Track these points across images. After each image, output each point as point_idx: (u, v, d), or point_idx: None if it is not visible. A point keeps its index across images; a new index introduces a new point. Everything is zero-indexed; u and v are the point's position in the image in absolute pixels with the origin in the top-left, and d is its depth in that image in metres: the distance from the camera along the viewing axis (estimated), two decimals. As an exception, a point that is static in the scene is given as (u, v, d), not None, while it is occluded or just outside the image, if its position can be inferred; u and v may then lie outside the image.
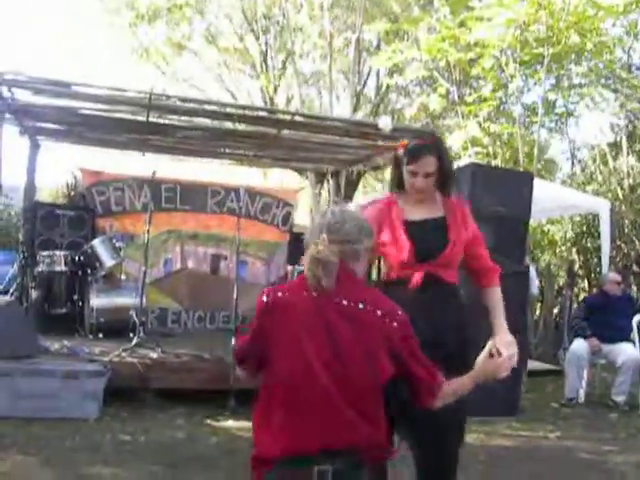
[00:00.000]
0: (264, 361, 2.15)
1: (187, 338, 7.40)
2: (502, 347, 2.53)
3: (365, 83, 14.98)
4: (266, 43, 14.71)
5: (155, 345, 6.02)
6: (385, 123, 6.43)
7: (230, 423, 5.25)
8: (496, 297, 3.06)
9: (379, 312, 2.12)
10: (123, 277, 7.32)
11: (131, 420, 5.15)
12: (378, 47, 14.51)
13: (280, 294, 2.17)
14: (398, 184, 2.92)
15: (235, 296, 5.95)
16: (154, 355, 5.83)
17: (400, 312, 2.17)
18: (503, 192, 6.12)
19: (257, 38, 14.67)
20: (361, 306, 2.11)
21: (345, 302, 2.11)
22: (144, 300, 6.45)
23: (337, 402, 2.03)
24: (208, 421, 5.29)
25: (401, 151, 2.86)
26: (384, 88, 14.39)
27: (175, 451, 4.50)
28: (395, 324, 2.12)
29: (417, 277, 2.79)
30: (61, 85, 6.44)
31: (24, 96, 6.59)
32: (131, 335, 6.28)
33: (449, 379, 2.27)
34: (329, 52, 12.68)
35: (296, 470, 2.02)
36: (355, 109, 13.69)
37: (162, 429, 4.98)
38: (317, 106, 14.71)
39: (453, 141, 10.94)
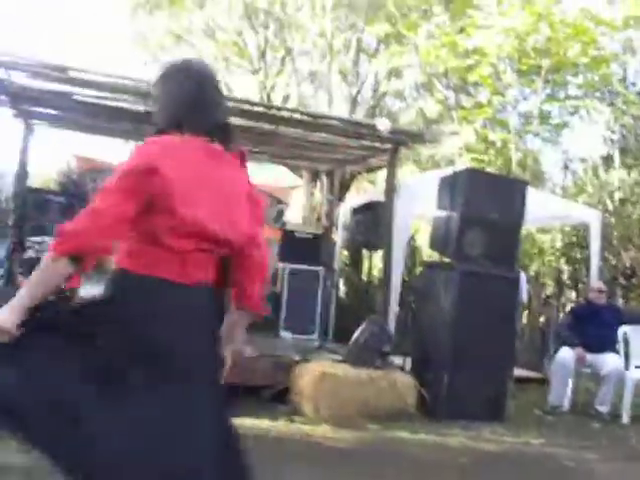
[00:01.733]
0: None
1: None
2: None
3: (362, 85, 14.99)
4: (265, 39, 14.68)
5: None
6: (384, 124, 6.45)
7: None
8: None
9: None
10: (113, 265, 7.26)
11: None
12: (377, 49, 14.54)
13: None
14: None
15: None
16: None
17: None
18: (497, 198, 6.16)
19: (256, 33, 14.65)
20: None
21: None
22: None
23: None
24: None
25: None
26: (381, 91, 14.41)
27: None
28: None
29: None
30: (58, 70, 6.39)
31: (20, 79, 6.55)
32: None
33: None
34: (328, 52, 12.68)
35: None
36: (352, 111, 13.69)
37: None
38: (313, 105, 14.68)
39: (448, 147, 10.98)
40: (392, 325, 7.09)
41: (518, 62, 11.07)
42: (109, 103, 6.95)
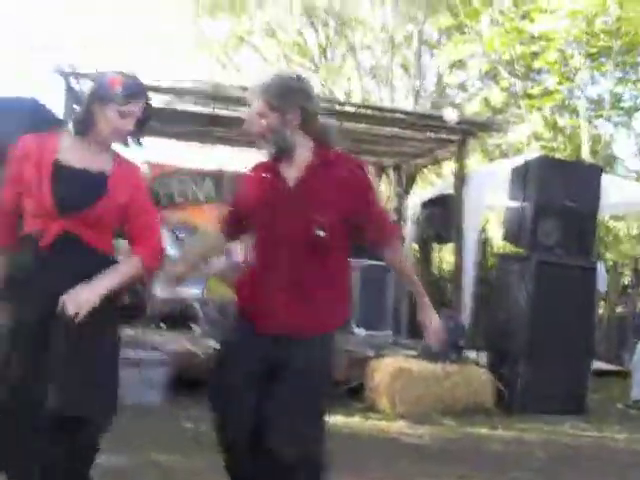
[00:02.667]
0: None
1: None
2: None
3: (424, 77, 14.82)
4: (326, 36, 14.68)
5: (217, 336, 6.08)
6: (451, 115, 6.35)
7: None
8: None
9: None
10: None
11: (193, 408, 5.20)
12: (439, 41, 14.36)
13: None
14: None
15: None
16: (217, 346, 5.88)
17: None
18: (572, 185, 6.00)
19: (316, 31, 14.67)
20: None
21: None
22: (205, 291, 6.53)
23: None
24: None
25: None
26: (444, 83, 14.22)
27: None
28: None
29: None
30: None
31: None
32: (193, 325, 6.36)
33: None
34: (390, 45, 12.59)
35: None
36: (415, 104, 13.56)
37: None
38: (376, 100, 14.61)
39: (516, 135, 10.75)
40: (466, 318, 6.99)
41: (586, 45, 10.75)
42: (177, 107, 7.07)
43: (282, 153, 2.44)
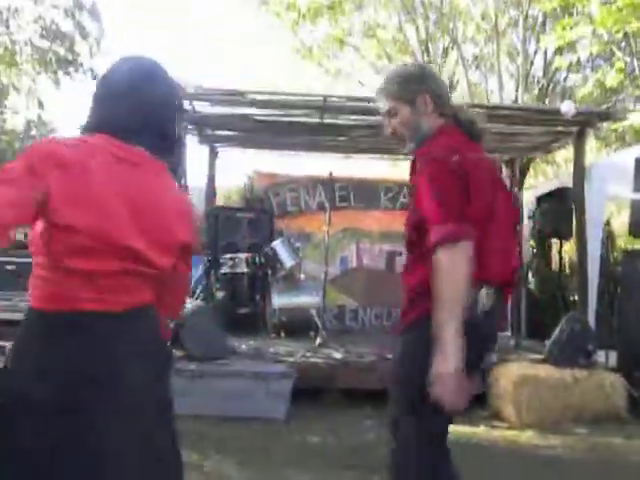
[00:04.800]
0: None
1: (366, 336, 7.47)
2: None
3: (532, 63, 14.33)
4: (426, 31, 14.45)
5: (338, 345, 6.12)
6: (568, 108, 6.06)
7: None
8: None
9: None
10: (302, 276, 7.49)
11: (318, 421, 5.25)
12: (544, 24, 13.83)
13: None
14: None
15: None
16: (338, 355, 5.93)
17: None
18: None
19: (416, 27, 14.46)
20: None
21: None
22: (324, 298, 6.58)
23: None
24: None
25: None
26: (553, 67, 13.68)
27: (367, 455, 4.44)
28: None
29: None
30: (237, 94, 6.69)
31: (203, 107, 6.92)
32: (312, 334, 6.42)
33: None
34: (495, 34, 12.23)
35: None
36: (524, 91, 13.13)
37: (351, 431, 5.03)
38: (483, 90, 14.25)
39: (636, 119, 10.18)
40: (592, 319, 6.68)
41: None
42: (287, 119, 7.17)
43: (423, 144, 2.29)
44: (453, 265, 1.99)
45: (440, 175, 2.11)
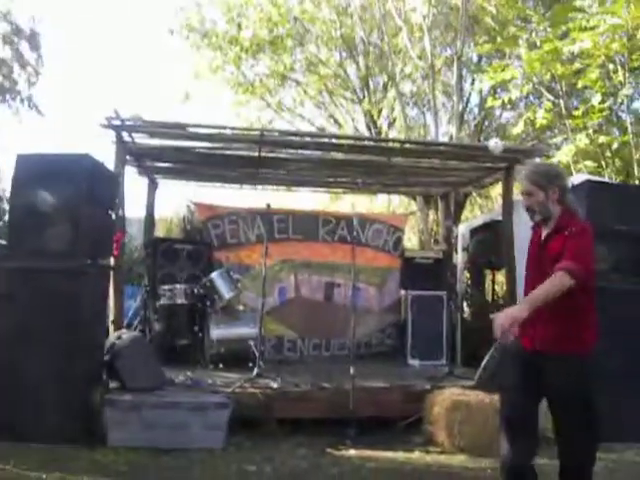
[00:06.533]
0: None
1: (304, 366, 7.52)
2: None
3: (468, 101, 14.82)
4: (366, 67, 14.83)
5: (275, 375, 6.16)
6: (495, 145, 6.35)
7: (351, 452, 5.28)
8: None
9: None
10: (240, 308, 7.52)
11: (255, 450, 5.28)
12: (479, 62, 14.36)
13: None
14: None
15: (352, 323, 6.04)
16: (275, 385, 5.96)
17: None
18: (622, 209, 5.91)
19: (357, 63, 14.83)
20: None
21: None
22: (261, 329, 6.61)
23: None
24: (329, 450, 5.34)
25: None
26: (487, 106, 14.18)
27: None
28: None
29: None
30: (177, 127, 6.78)
31: (142, 139, 6.96)
32: (250, 365, 6.45)
33: None
34: (431, 73, 12.63)
35: None
36: (459, 128, 13.55)
37: (286, 459, 5.09)
38: (420, 127, 14.65)
39: (562, 155, 10.63)
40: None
41: (629, 59, 10.60)
42: (224, 152, 7.27)
43: (545, 220, 3.44)
44: (560, 284, 3.13)
45: (591, 240, 3.30)
